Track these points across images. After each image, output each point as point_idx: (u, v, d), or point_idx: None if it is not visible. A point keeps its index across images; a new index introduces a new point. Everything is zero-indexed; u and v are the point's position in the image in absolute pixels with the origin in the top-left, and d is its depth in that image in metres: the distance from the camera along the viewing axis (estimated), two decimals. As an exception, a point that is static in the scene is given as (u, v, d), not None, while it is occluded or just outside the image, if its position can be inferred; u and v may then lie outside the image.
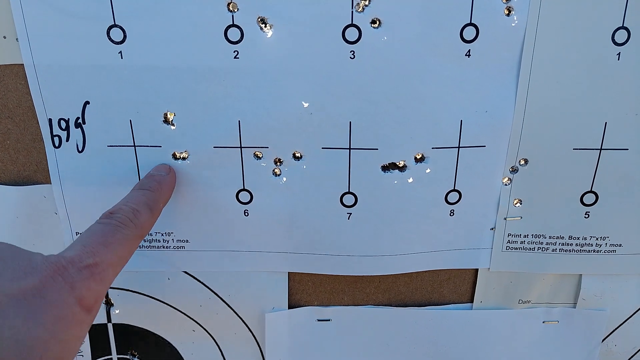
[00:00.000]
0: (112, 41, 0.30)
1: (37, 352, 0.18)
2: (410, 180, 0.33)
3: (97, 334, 0.40)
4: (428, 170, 0.33)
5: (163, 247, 0.35)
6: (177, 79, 0.31)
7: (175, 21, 0.29)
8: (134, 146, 0.32)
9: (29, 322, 0.19)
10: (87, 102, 0.31)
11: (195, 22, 0.30)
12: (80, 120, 0.32)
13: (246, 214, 0.34)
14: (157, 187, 0.30)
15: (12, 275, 0.20)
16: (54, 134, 0.32)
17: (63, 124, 0.32)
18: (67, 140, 0.32)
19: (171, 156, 0.33)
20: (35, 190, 0.34)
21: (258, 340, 0.39)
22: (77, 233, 0.35)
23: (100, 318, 0.39)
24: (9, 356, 0.18)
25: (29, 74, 0.31)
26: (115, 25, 0.30)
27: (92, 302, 0.22)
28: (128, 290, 0.38)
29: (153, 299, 0.38)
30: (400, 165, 0.33)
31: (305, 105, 0.31)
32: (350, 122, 0.32)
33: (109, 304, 0.38)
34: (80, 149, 0.32)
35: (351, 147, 0.32)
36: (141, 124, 0.32)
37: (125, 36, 0.30)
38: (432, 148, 0.32)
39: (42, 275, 0.20)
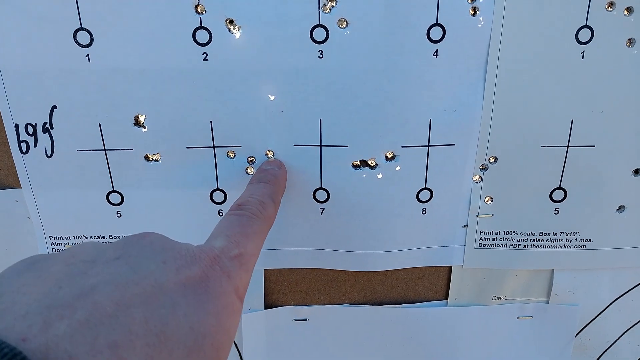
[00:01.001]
0: (79, 44, 0.30)
1: (208, 340, 0.19)
2: (380, 176, 0.33)
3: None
4: (398, 168, 0.33)
5: (137, 250, 0.35)
6: (147, 81, 0.31)
7: (143, 24, 0.29)
8: (104, 150, 0.32)
9: (199, 311, 0.19)
10: (54, 107, 0.31)
11: (162, 24, 0.29)
12: (47, 125, 0.32)
13: (220, 214, 0.34)
14: (275, 180, 0.30)
15: (177, 264, 0.20)
16: (21, 139, 0.32)
17: (30, 129, 0.32)
18: (35, 145, 0.32)
19: (143, 158, 0.33)
20: (6, 195, 0.34)
21: (235, 342, 0.39)
22: (50, 237, 0.35)
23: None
24: (187, 343, 0.18)
25: (-5, 79, 0.31)
26: (81, 29, 0.30)
27: (243, 291, 0.22)
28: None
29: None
30: (372, 164, 0.33)
31: (276, 103, 0.31)
32: (320, 120, 0.32)
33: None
34: (49, 154, 0.32)
35: (322, 144, 0.32)
36: (111, 128, 0.32)
37: (92, 39, 0.30)
38: (402, 147, 0.32)
39: (203, 264, 0.20)
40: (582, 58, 0.31)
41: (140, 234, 0.21)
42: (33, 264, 0.19)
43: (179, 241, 0.22)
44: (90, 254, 0.19)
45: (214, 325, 0.19)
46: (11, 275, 0.18)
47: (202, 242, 0.34)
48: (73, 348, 0.14)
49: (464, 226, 0.35)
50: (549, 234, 0.35)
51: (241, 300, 0.22)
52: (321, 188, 0.33)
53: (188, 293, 0.19)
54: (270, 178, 0.30)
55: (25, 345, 0.14)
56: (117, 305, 0.16)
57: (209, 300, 0.19)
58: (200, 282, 0.20)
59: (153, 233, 0.21)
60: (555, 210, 0.34)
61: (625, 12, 0.30)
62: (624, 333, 0.39)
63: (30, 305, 0.16)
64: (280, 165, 0.32)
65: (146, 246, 0.20)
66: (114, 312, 0.16)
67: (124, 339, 0.16)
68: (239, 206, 0.26)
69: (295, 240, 0.35)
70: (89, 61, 0.30)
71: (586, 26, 0.30)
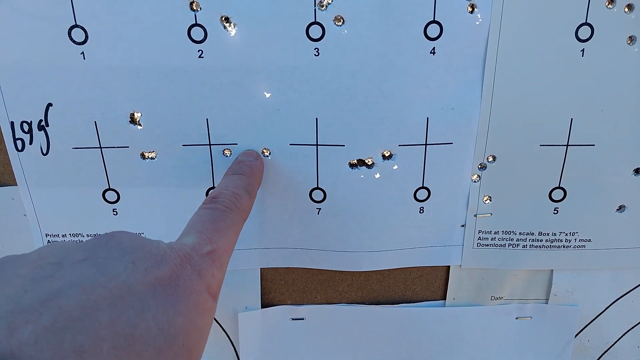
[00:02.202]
0: (74, 42, 0.30)
1: (179, 340, 0.18)
2: (377, 176, 0.33)
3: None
4: (395, 167, 0.32)
5: (133, 248, 0.35)
6: (142, 79, 0.31)
7: (138, 21, 0.29)
8: (100, 148, 0.32)
9: (169, 311, 0.19)
10: (49, 104, 0.31)
11: (157, 21, 0.29)
12: (43, 123, 0.31)
13: (215, 213, 0.34)
14: (250, 172, 0.30)
15: (146, 264, 0.19)
16: (17, 137, 0.32)
17: (26, 127, 0.31)
18: (31, 143, 0.32)
19: (139, 156, 0.33)
20: (2, 193, 0.34)
21: (232, 340, 0.39)
22: (46, 235, 0.35)
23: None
24: (157, 344, 0.17)
25: (-10, 76, 0.30)
26: (76, 26, 0.29)
27: (216, 289, 0.22)
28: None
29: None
30: (369, 163, 0.32)
31: (272, 101, 0.31)
32: (317, 119, 0.31)
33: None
34: (44, 152, 0.32)
35: (318, 144, 0.32)
36: (106, 125, 0.32)
37: (87, 36, 0.30)
38: (399, 145, 0.32)
39: (172, 264, 0.20)
40: (582, 56, 0.30)
41: (109, 233, 0.21)
42: (1, 266, 0.19)
43: (153, 239, 0.21)
44: (57, 256, 0.19)
45: (185, 325, 0.19)
46: None
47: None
48: (38, 354, 0.14)
49: (462, 226, 0.35)
50: (548, 234, 0.35)
51: (214, 297, 0.21)
52: (317, 188, 0.33)
53: (157, 293, 0.19)
54: (246, 170, 0.30)
55: None
56: (83, 309, 0.16)
57: (178, 299, 0.19)
58: (169, 281, 0.19)
59: (122, 232, 0.21)
60: (554, 209, 0.34)
61: (626, 9, 0.30)
62: (624, 334, 0.39)
63: None
64: (256, 156, 0.32)
65: (114, 247, 0.20)
66: (79, 315, 0.16)
67: (90, 343, 0.15)
68: (212, 199, 0.26)
69: (292, 240, 0.35)
70: (84, 59, 0.30)
71: (586, 23, 0.30)
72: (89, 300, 0.17)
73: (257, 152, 0.32)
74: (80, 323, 0.16)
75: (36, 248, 0.22)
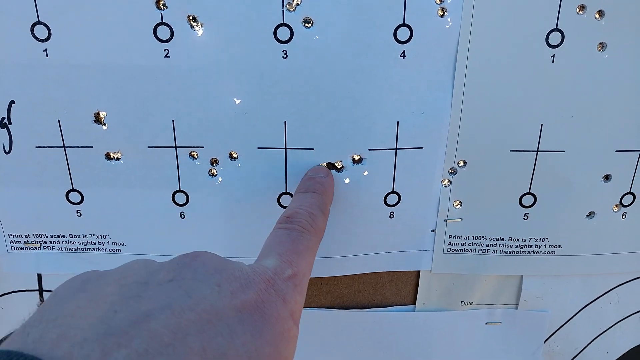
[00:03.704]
0: (37, 39, 0.29)
1: None
2: (347, 181, 0.32)
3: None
4: (366, 173, 0.32)
5: (99, 249, 0.35)
6: (106, 77, 0.30)
7: (102, 18, 0.29)
8: (64, 147, 0.31)
9: (257, 339, 0.18)
10: (12, 102, 0.30)
11: (122, 19, 0.29)
12: (5, 121, 0.31)
13: (182, 216, 0.33)
14: (322, 190, 0.29)
15: (231, 288, 0.19)
16: (-23, 134, 0.31)
17: (-14, 124, 0.31)
18: None
19: (104, 156, 0.32)
20: (-37, 192, 0.33)
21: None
22: (9, 235, 0.34)
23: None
24: None
25: (-50, 72, 0.30)
26: (39, 22, 0.29)
27: (299, 315, 0.21)
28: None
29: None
30: (338, 167, 0.32)
31: (239, 104, 0.30)
32: (285, 122, 0.31)
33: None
34: (7, 150, 0.31)
35: (287, 147, 0.32)
36: (70, 124, 0.31)
37: (50, 33, 0.29)
38: (369, 149, 0.32)
39: (258, 288, 0.19)
40: (553, 62, 0.30)
41: (193, 253, 0.20)
42: (85, 282, 0.18)
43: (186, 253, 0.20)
44: (142, 275, 0.18)
45: (272, 354, 0.18)
46: (64, 296, 0.17)
47: (166, 246, 0.34)
48: None
49: (433, 230, 0.35)
50: (518, 240, 0.35)
51: (297, 325, 0.20)
52: (286, 192, 0.33)
53: (245, 319, 0.18)
54: (318, 187, 0.29)
55: None
56: (174, 334, 0.16)
57: (265, 326, 0.18)
58: (256, 307, 0.19)
59: (205, 252, 0.21)
60: (524, 215, 0.34)
61: (597, 16, 0.29)
62: (593, 340, 0.39)
63: (86, 331, 0.15)
64: (327, 173, 0.31)
65: (199, 268, 0.19)
66: (171, 341, 0.15)
67: None
68: (287, 219, 0.25)
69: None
70: (47, 56, 0.29)
71: (557, 29, 0.30)
72: (179, 325, 0.16)
73: (327, 169, 0.31)
74: (172, 349, 0.15)
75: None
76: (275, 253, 0.22)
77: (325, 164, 0.32)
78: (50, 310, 0.16)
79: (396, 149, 0.32)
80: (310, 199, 0.27)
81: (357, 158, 0.32)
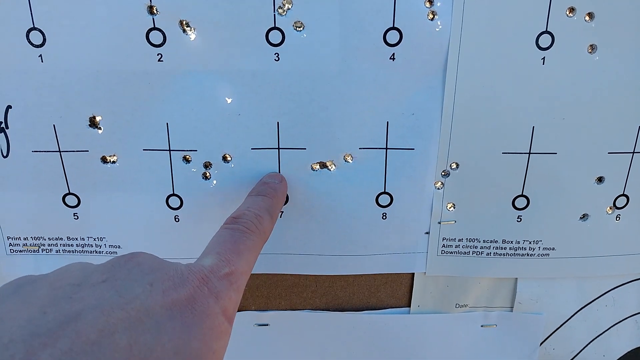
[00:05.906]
0: (32, 44, 0.29)
1: None
2: (339, 179, 0.33)
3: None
4: (356, 171, 0.32)
5: (96, 252, 0.35)
6: (101, 82, 0.30)
7: (96, 24, 0.29)
8: (60, 151, 0.32)
9: (185, 334, 0.18)
10: (9, 107, 0.31)
11: (115, 25, 0.29)
12: (2, 125, 0.31)
13: (177, 219, 0.34)
14: (273, 194, 0.30)
15: (164, 286, 0.19)
16: (-26, 138, 0.31)
17: (-16, 129, 0.31)
18: None
19: (100, 160, 0.32)
20: (-37, 195, 0.34)
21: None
22: (8, 237, 0.35)
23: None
24: None
25: (-51, 78, 0.30)
26: (34, 28, 0.29)
27: (232, 311, 0.21)
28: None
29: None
30: (330, 166, 0.32)
31: (232, 106, 0.31)
32: (278, 123, 0.31)
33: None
34: (4, 155, 0.32)
35: (280, 147, 0.32)
36: (66, 129, 0.31)
37: (45, 39, 0.29)
38: (360, 148, 0.32)
39: (190, 286, 0.20)
40: (543, 64, 0.30)
41: (129, 254, 0.21)
42: (19, 287, 0.18)
43: (168, 257, 0.21)
44: (76, 277, 0.19)
45: (200, 349, 0.19)
46: None
47: (162, 249, 0.34)
48: None
49: (426, 233, 0.35)
50: (511, 242, 0.35)
51: (230, 321, 0.21)
52: None
53: (174, 316, 0.18)
54: (270, 191, 0.30)
55: None
56: (101, 332, 0.16)
57: (195, 323, 0.19)
58: (186, 304, 0.19)
59: (142, 253, 0.21)
60: (518, 217, 0.34)
61: (587, 18, 0.30)
62: (589, 343, 0.39)
63: (13, 332, 0.15)
64: (281, 179, 0.32)
65: (134, 268, 0.20)
66: (97, 339, 0.16)
67: None
68: (233, 219, 0.26)
69: None
70: (42, 61, 0.30)
71: (547, 32, 0.30)
72: (107, 323, 0.17)
73: (281, 175, 0.32)
74: (97, 346, 0.16)
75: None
76: (215, 252, 0.23)
77: (317, 164, 0.32)
78: None
79: (386, 148, 0.32)
80: (260, 202, 0.28)
81: (347, 157, 0.32)
